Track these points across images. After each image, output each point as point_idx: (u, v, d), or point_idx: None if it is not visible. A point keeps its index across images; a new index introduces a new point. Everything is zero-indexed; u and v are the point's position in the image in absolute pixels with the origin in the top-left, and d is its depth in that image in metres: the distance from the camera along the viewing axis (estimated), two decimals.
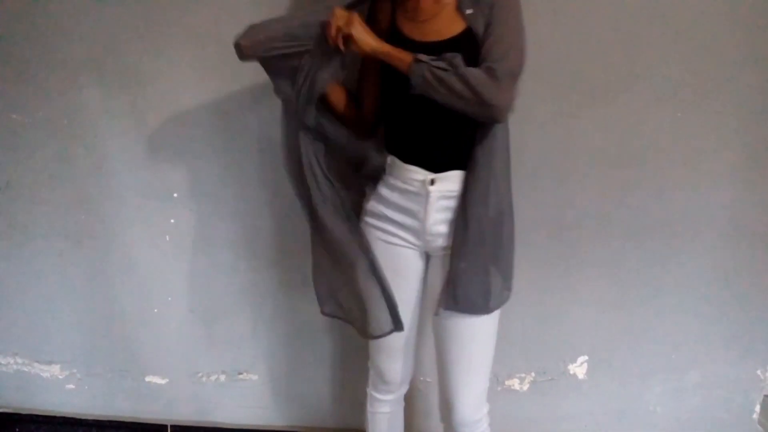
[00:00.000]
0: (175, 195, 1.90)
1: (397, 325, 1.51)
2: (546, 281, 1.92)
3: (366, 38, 1.31)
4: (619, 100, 1.77)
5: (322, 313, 1.61)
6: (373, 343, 1.59)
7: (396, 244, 1.50)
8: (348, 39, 1.32)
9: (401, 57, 1.30)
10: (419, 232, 1.46)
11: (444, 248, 1.46)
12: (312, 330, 2.01)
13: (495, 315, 1.49)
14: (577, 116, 1.79)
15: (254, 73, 1.77)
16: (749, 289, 1.93)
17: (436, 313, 1.46)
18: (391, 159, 1.48)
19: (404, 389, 1.68)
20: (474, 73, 1.26)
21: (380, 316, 1.50)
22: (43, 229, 1.95)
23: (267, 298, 1.99)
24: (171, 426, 2.10)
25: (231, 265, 1.96)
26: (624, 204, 1.85)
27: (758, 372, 2.00)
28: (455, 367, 1.48)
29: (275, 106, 1.79)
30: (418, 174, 1.42)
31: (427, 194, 1.42)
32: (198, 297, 1.99)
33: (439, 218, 1.43)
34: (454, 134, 1.40)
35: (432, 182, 1.41)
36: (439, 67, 1.26)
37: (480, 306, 1.44)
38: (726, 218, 1.87)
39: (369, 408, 1.71)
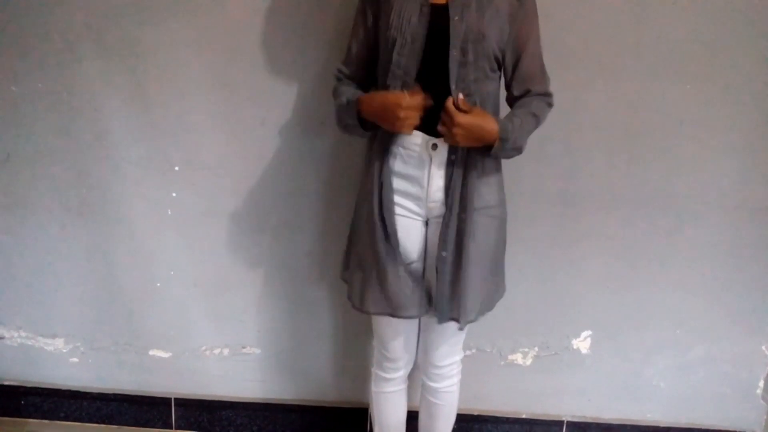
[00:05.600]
0: (177, 168, 1.89)
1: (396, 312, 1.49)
2: (550, 255, 1.92)
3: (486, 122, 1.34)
4: (627, 71, 1.75)
5: (341, 277, 1.64)
6: (377, 320, 1.58)
7: (400, 215, 1.47)
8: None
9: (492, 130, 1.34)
10: (422, 200, 1.44)
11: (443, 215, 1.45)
12: (315, 304, 2.01)
13: None
14: (584, 87, 1.77)
15: (257, 44, 1.76)
16: (755, 265, 1.92)
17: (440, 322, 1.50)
18: None
19: (409, 367, 1.67)
20: (544, 112, 1.47)
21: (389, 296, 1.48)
22: (45, 203, 1.94)
23: (270, 272, 1.98)
24: (174, 399, 2.11)
25: (234, 239, 1.95)
26: (630, 177, 1.84)
27: (763, 347, 1.99)
28: (438, 327, 1.53)
29: (278, 77, 1.79)
30: (420, 138, 1.40)
31: (430, 159, 1.40)
32: (201, 271, 1.99)
33: (440, 184, 1.42)
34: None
35: (434, 147, 1.39)
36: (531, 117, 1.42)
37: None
38: (734, 193, 1.85)
39: (374, 388, 1.70)
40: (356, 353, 2.03)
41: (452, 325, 1.51)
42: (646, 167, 1.82)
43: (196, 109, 1.83)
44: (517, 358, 2.02)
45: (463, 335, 1.59)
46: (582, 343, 2.00)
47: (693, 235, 1.89)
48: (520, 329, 1.99)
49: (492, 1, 1.36)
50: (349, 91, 1.47)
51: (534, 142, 1.74)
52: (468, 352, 2.01)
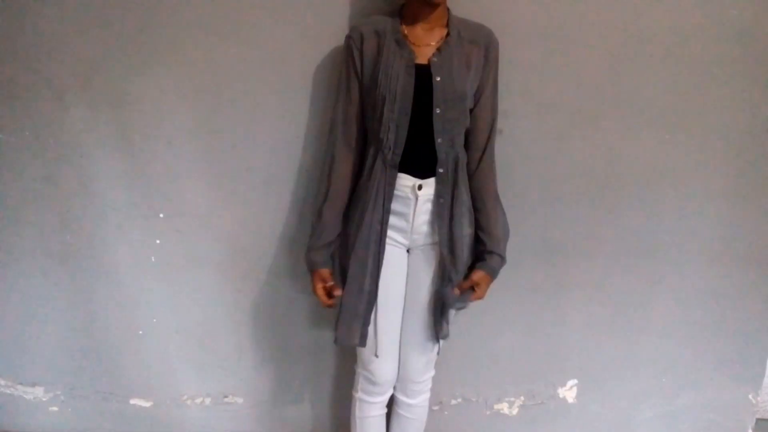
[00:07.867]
0: (161, 215, 1.89)
1: (362, 341, 1.61)
2: (535, 304, 1.91)
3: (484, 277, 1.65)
4: (606, 121, 1.78)
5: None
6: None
7: (387, 244, 1.61)
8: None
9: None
10: (407, 232, 1.61)
11: (425, 244, 1.63)
12: (298, 352, 1.99)
13: None
14: (564, 137, 1.79)
15: (242, 92, 1.78)
16: (740, 312, 1.92)
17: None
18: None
19: (391, 391, 1.72)
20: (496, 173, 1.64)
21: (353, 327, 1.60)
22: (28, 249, 1.93)
23: (253, 319, 1.96)
24: None
25: (217, 286, 1.94)
26: (612, 226, 1.85)
27: (750, 396, 1.98)
28: (417, 341, 1.65)
29: (262, 125, 1.81)
30: (408, 181, 1.57)
31: (416, 198, 1.56)
32: (183, 318, 1.97)
33: (424, 219, 1.60)
34: (438, 148, 1.55)
35: (419, 188, 1.56)
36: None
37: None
38: (715, 240, 1.87)
39: (358, 413, 1.74)
40: (339, 400, 2.01)
41: (430, 342, 1.66)
42: (626, 216, 1.84)
43: (181, 156, 1.84)
44: (503, 407, 2.00)
45: (435, 351, 1.68)
46: (568, 392, 1.98)
47: (676, 283, 1.89)
48: (505, 378, 1.98)
49: (470, 62, 1.54)
50: (329, 226, 1.65)
51: (515, 190, 1.77)
52: (453, 402, 1.99)
